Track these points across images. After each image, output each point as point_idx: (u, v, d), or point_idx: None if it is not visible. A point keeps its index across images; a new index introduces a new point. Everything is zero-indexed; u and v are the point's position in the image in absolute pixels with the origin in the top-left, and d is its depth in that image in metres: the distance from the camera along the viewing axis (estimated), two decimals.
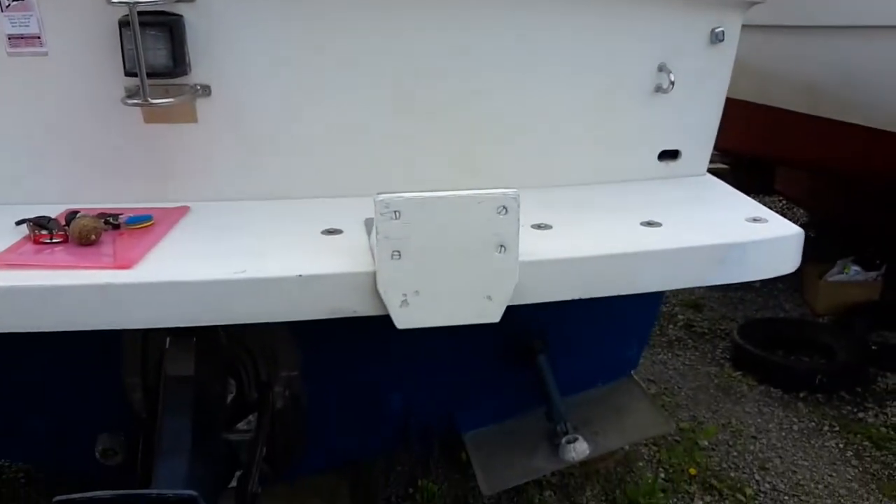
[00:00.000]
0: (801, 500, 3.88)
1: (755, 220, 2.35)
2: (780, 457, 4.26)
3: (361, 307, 2.00)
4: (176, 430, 2.35)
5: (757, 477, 4.06)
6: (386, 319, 2.38)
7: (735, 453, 4.28)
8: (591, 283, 2.12)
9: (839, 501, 3.87)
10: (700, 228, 2.29)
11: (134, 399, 2.82)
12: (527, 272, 2.04)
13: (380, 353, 2.98)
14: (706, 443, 4.35)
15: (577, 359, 3.12)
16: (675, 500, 3.85)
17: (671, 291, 6.67)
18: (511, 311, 2.79)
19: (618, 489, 3.89)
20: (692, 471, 4.03)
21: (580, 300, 2.93)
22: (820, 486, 3.98)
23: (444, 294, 2.00)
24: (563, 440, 2.81)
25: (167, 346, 2.47)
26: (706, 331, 5.95)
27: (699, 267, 2.17)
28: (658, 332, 5.91)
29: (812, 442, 4.40)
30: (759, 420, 4.63)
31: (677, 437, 4.40)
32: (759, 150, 6.35)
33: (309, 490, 3.40)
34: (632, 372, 3.19)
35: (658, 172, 2.80)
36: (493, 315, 2.05)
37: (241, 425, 2.83)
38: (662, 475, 4.05)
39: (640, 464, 4.16)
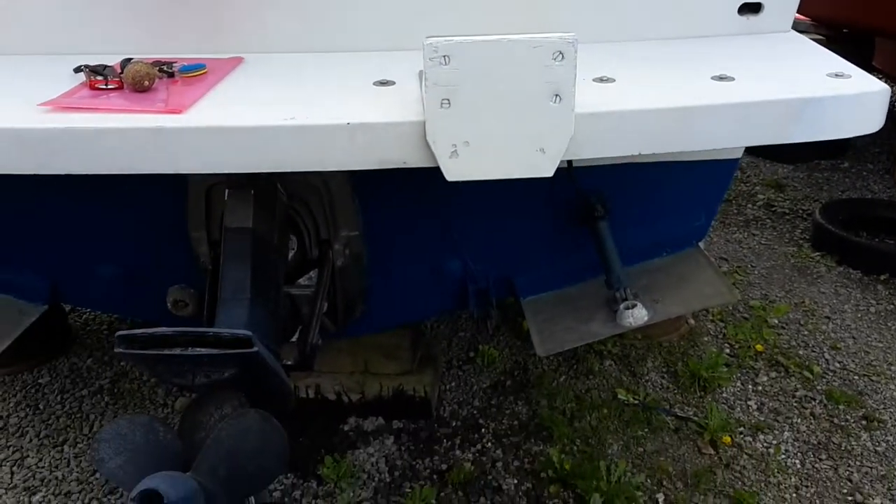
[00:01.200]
0: (872, 380, 3.78)
1: (837, 75, 2.16)
2: (854, 337, 4.14)
3: (410, 158, 1.96)
4: (236, 280, 2.41)
5: (827, 356, 3.97)
6: (439, 174, 2.35)
7: (806, 332, 4.18)
8: (652, 137, 2.01)
9: None
10: (775, 83, 2.12)
11: (200, 252, 2.90)
12: (583, 125, 1.94)
13: (438, 214, 2.97)
14: (776, 321, 4.26)
15: (641, 227, 3.03)
16: (739, 374, 3.82)
17: (752, 170, 6.41)
18: (572, 172, 2.74)
19: (680, 362, 3.88)
20: (759, 347, 3.97)
21: (647, 164, 2.86)
22: (893, 368, 3.87)
23: (494, 145, 1.93)
24: (622, 306, 2.77)
25: (226, 198, 2.50)
26: (787, 211, 5.72)
27: (771, 123, 2.03)
28: (735, 211, 5.72)
29: (889, 324, 4.25)
30: (834, 301, 4.49)
31: (746, 315, 4.33)
32: (857, 18, 5.86)
33: (372, 347, 3.49)
34: (698, 243, 3.09)
35: (737, 28, 2.59)
36: (546, 169, 1.98)
37: (302, 281, 2.89)
38: (727, 351, 4.00)
39: (705, 339, 4.11)
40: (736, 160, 2.99)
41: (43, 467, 3.37)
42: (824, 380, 3.77)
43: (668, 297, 2.86)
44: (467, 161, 1.94)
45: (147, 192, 2.87)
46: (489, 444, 3.41)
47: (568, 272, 3.09)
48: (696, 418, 3.48)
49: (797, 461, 3.26)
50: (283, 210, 2.72)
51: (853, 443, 3.38)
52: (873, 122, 2.12)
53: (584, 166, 2.77)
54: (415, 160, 1.97)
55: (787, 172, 6.40)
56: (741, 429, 3.44)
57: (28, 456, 3.44)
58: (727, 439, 3.32)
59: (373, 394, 3.54)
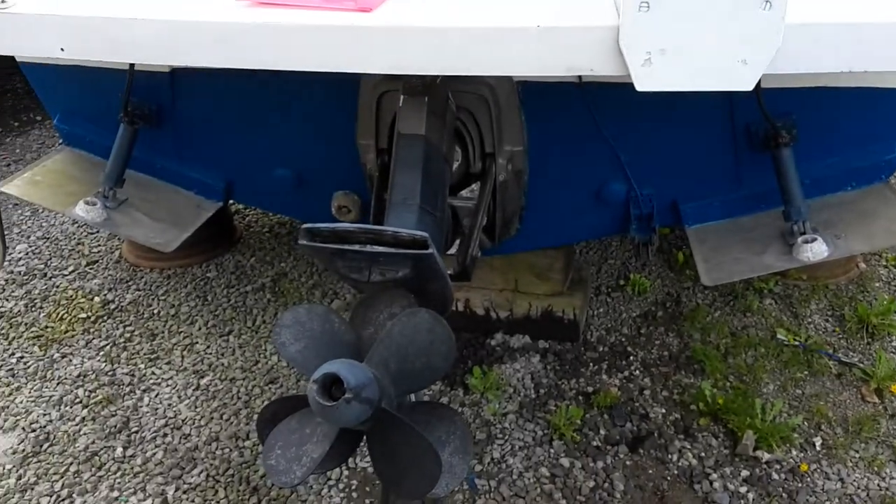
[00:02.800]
0: None
1: None
2: None
3: (599, 65, 1.89)
4: (407, 185, 2.44)
5: None
6: (618, 92, 2.26)
7: None
8: (866, 53, 1.84)
9: None
10: None
11: (367, 160, 2.96)
12: (791, 36, 1.80)
13: (607, 133, 2.88)
14: None
15: (827, 157, 2.83)
16: None
17: None
18: (760, 92, 2.57)
19: (847, 306, 3.66)
20: None
21: (840, 89, 2.64)
22: None
23: (693, 54, 1.82)
24: (800, 239, 2.62)
25: (401, 104, 2.52)
26: None
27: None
28: None
29: None
30: None
31: None
32: None
33: (523, 266, 3.49)
34: (888, 178, 2.85)
35: None
36: (747, 82, 1.85)
37: (464, 193, 2.90)
38: None
39: (877, 284, 3.86)
40: None
41: (210, 354, 3.63)
42: None
43: (851, 234, 2.68)
44: (661, 70, 1.84)
45: (319, 98, 2.95)
46: (637, 371, 3.37)
47: (739, 201, 2.94)
48: (861, 365, 3.29)
49: None
50: (452, 120, 2.72)
51: None
52: None
53: (773, 87, 2.61)
54: (603, 67, 1.90)
55: None
56: None
57: (197, 342, 3.71)
58: (895, 388, 3.14)
59: (521, 312, 3.55)
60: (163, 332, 3.79)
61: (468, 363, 3.43)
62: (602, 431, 3.05)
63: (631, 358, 3.45)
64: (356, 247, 2.02)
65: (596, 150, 2.93)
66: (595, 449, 2.98)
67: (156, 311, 3.95)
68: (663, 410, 3.14)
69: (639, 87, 1.89)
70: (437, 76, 2.50)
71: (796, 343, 3.43)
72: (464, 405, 3.22)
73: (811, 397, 3.17)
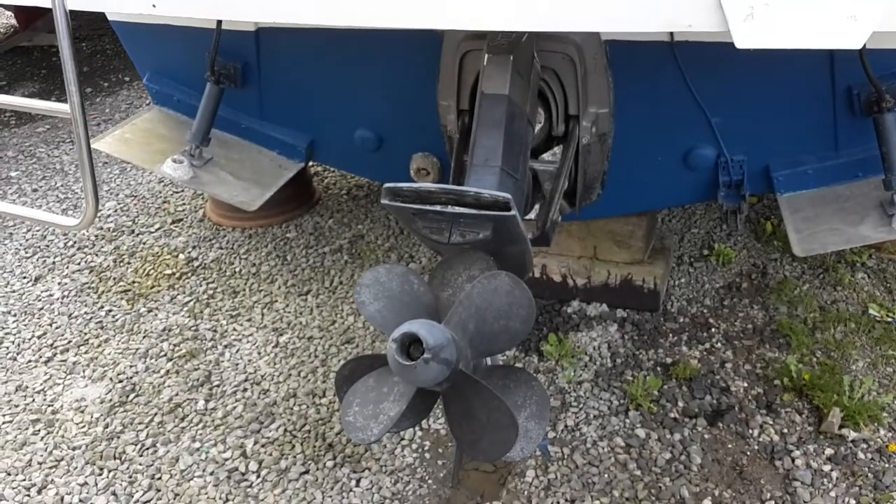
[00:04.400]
0: None
1: None
2: None
3: (698, 20, 1.80)
4: (489, 147, 2.40)
5: None
6: (712, 50, 2.16)
7: None
8: None
9: None
10: None
11: (447, 121, 2.93)
12: None
13: (698, 95, 2.77)
14: None
15: None
16: None
17: None
18: (865, 53, 2.43)
19: None
20: None
21: None
22: None
23: (798, 8, 1.72)
24: None
25: (485, 63, 2.47)
26: None
27: None
28: None
29: None
30: None
31: None
32: None
33: (603, 233, 3.42)
34: None
35: None
36: (856, 39, 1.74)
37: (546, 156, 2.84)
38: None
39: None
40: None
41: (289, 312, 3.69)
42: None
43: None
44: (763, 26, 1.75)
45: (400, 59, 2.93)
46: (718, 344, 3.27)
47: (837, 169, 2.80)
48: None
49: None
50: (537, 80, 2.66)
51: None
52: None
53: (879, 48, 2.46)
54: (703, 23, 1.81)
55: None
56: None
57: (276, 301, 3.78)
58: None
59: (599, 280, 3.49)
60: (244, 290, 3.88)
61: (544, 330, 3.40)
62: (680, 403, 2.99)
63: (713, 330, 3.35)
64: (437, 207, 2.01)
65: (685, 113, 2.83)
66: (672, 421, 2.92)
67: (237, 270, 4.04)
68: (745, 384, 3.05)
69: (739, 44, 1.80)
70: (524, 34, 2.45)
71: (889, 319, 3.28)
72: (538, 372, 3.19)
73: None
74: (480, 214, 1.98)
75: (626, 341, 3.32)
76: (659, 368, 3.17)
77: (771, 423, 2.88)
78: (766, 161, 2.88)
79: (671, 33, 2.58)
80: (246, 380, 3.31)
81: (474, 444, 1.99)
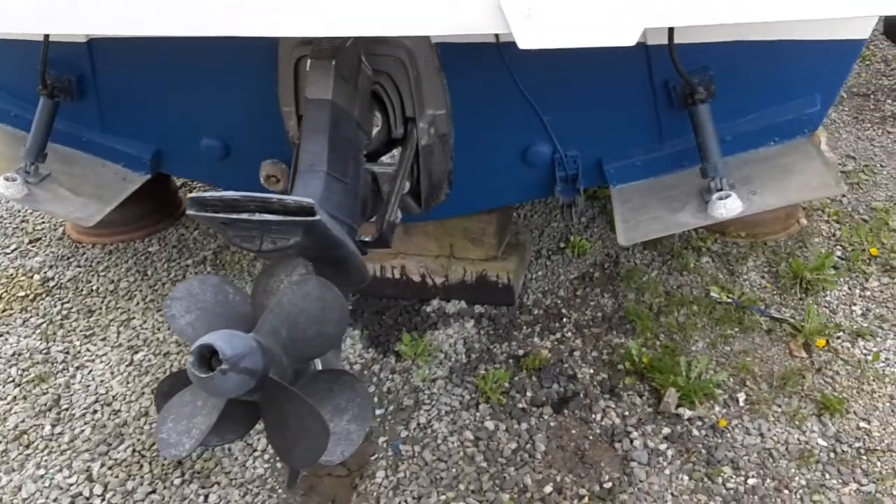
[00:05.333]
0: None
1: None
2: None
3: (482, 22, 1.85)
4: (313, 151, 2.40)
5: None
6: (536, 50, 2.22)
7: None
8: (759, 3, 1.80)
9: None
10: None
11: (289, 127, 2.92)
12: None
13: (528, 93, 2.84)
14: None
15: (748, 112, 2.81)
16: (847, 279, 3.57)
17: (885, 65, 5.80)
18: (673, 48, 2.53)
19: (784, 262, 3.66)
20: (874, 251, 3.69)
21: (757, 42, 2.61)
22: None
23: (574, 8, 1.78)
24: (714, 196, 2.61)
25: (308, 69, 2.47)
26: None
27: None
28: (871, 107, 5.24)
29: None
30: None
31: (866, 216, 4.01)
32: None
33: (458, 231, 3.47)
34: (809, 132, 2.83)
35: None
36: (629, 37, 1.82)
37: (384, 158, 2.86)
38: (839, 253, 3.74)
39: (816, 239, 3.85)
40: (860, 41, 2.68)
41: (146, 329, 3.60)
42: None
43: (767, 188, 2.67)
44: (542, 26, 1.81)
45: (242, 65, 2.89)
46: (569, 333, 3.37)
47: (663, 160, 2.92)
48: (792, 320, 3.29)
49: None
50: (368, 84, 2.67)
51: None
52: None
53: (688, 42, 2.57)
54: (486, 25, 1.86)
55: None
56: (840, 334, 3.24)
57: (134, 318, 3.68)
58: (821, 343, 3.14)
59: (456, 278, 3.54)
60: (100, 309, 3.76)
61: (403, 330, 3.42)
62: (529, 393, 3.06)
63: (564, 320, 3.44)
64: (244, 215, 2.00)
65: (519, 112, 2.90)
66: (520, 411, 2.99)
67: (95, 288, 3.91)
68: (591, 371, 3.15)
69: (521, 45, 1.86)
70: (347, 39, 2.46)
71: (729, 300, 3.44)
72: (394, 371, 3.22)
73: (739, 354, 3.18)
74: (286, 220, 1.98)
75: (482, 336, 3.38)
76: (511, 360, 3.24)
77: (613, 406, 2.98)
78: (598, 155, 2.98)
79: (496, 34, 2.64)
80: (96, 401, 3.22)
81: (288, 452, 1.99)
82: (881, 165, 4.51)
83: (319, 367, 2.25)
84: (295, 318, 1.97)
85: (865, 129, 4.94)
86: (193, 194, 1.99)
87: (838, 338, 3.23)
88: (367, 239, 2.73)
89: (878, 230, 3.85)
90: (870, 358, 3.11)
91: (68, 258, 4.17)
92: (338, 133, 2.46)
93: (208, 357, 1.79)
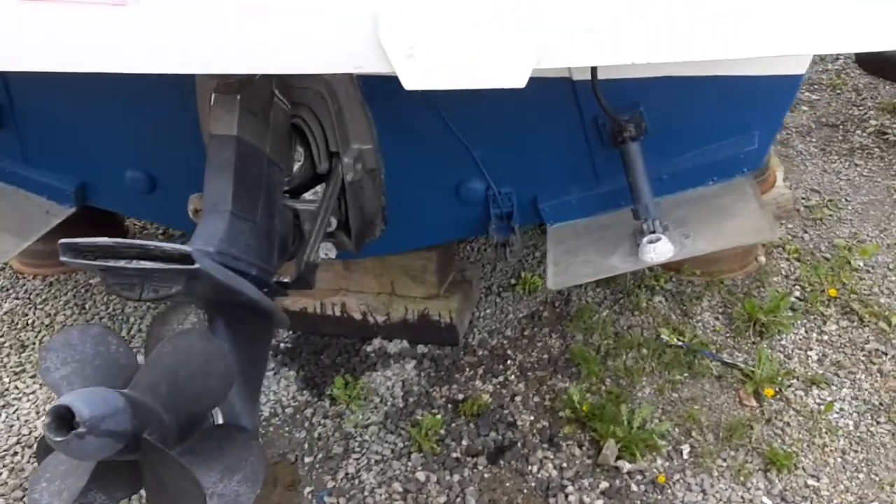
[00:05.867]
0: None
1: None
2: None
3: (367, 61, 1.74)
4: (217, 190, 2.29)
5: None
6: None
7: (893, 278, 3.70)
8: (647, 44, 1.69)
9: None
10: None
11: None
12: (559, 31, 1.66)
13: (458, 129, 2.73)
14: (861, 263, 3.80)
15: (683, 151, 2.70)
16: (805, 321, 3.44)
17: (869, 92, 5.71)
18: (597, 85, 2.42)
19: (740, 303, 3.52)
20: (832, 292, 3.55)
21: (688, 78, 2.49)
22: None
23: (457, 48, 1.68)
24: (645, 240, 2.49)
25: (212, 103, 2.36)
26: None
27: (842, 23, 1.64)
28: (839, 138, 5.12)
29: None
30: None
31: (827, 254, 3.89)
32: None
33: (398, 269, 3.35)
34: (749, 170, 2.71)
35: None
36: (517, 78, 1.70)
37: (307, 195, 2.75)
38: (797, 293, 3.61)
39: (775, 278, 3.73)
40: (798, 77, 2.57)
41: None
42: None
43: (700, 232, 2.55)
44: (426, 66, 1.70)
45: (163, 96, 2.78)
46: (512, 376, 3.23)
47: (600, 199, 2.80)
48: (743, 366, 3.16)
49: (850, 422, 2.91)
50: (284, 119, 2.56)
51: None
52: None
53: (615, 79, 2.46)
54: (371, 64, 1.74)
55: None
56: (794, 381, 3.10)
57: None
58: (769, 392, 3.00)
59: (398, 316, 3.41)
60: (34, 343, 3.63)
61: (341, 371, 3.29)
62: (465, 442, 2.92)
63: (509, 362, 3.31)
64: (122, 263, 1.88)
65: (450, 147, 2.79)
66: (454, 461, 2.84)
67: (31, 321, 3.79)
68: (531, 418, 3.01)
69: (406, 86, 1.75)
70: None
71: (680, 343, 3.30)
72: (327, 416, 3.08)
73: (686, 401, 3.04)
74: (167, 269, 1.85)
75: (422, 379, 3.24)
76: (450, 405, 3.10)
77: (551, 457, 2.84)
78: (533, 192, 2.86)
79: None
80: (17, 442, 3.08)
81: None
82: (846, 200, 4.39)
83: (220, 419, 2.13)
84: (175, 372, 1.84)
85: (832, 162, 4.83)
86: (65, 240, 1.86)
87: (790, 386, 3.09)
88: (285, 280, 2.61)
89: (840, 269, 3.72)
90: (823, 408, 2.97)
91: (7, 290, 4.04)
92: (245, 170, 2.35)
93: (69, 418, 1.66)
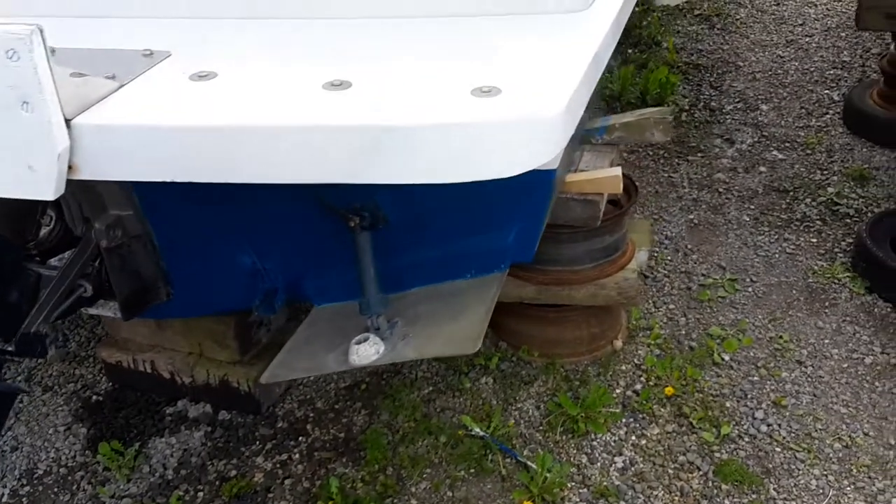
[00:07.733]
0: (797, 457, 2.97)
1: (483, 91, 1.54)
2: (814, 394, 3.28)
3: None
4: None
5: (759, 414, 3.17)
6: None
7: (755, 378, 3.36)
8: (183, 163, 1.54)
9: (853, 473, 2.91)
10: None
11: None
12: (89, 139, 1.52)
13: (215, 202, 2.61)
14: (726, 357, 3.46)
15: (431, 242, 2.50)
16: (631, 420, 3.15)
17: (843, 153, 5.24)
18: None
19: (570, 393, 3.26)
20: (669, 390, 3.24)
21: None
22: (837, 445, 3.01)
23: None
24: (354, 339, 2.30)
25: None
26: (853, 212, 4.62)
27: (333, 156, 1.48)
28: (784, 206, 4.71)
29: (876, 384, 3.32)
30: (826, 341, 3.57)
31: (696, 343, 3.56)
32: None
33: (203, 330, 3.24)
34: (507, 266, 2.49)
35: None
36: (46, 191, 1.58)
37: (53, 261, 2.68)
38: (637, 386, 3.31)
39: (624, 367, 3.44)
40: (550, 172, 2.34)
41: None
42: (730, 446, 3.01)
43: (418, 335, 2.34)
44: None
45: None
46: (297, 455, 3.07)
47: (356, 283, 2.62)
48: (535, 467, 2.90)
49: None
50: None
51: None
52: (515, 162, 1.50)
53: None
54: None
55: (883, 161, 5.19)
56: (582, 490, 2.84)
57: None
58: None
59: (202, 379, 3.30)
60: None
61: (133, 432, 3.20)
62: None
63: (301, 438, 3.15)
64: None
65: (213, 218, 2.67)
66: None
67: None
68: None
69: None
70: None
71: (481, 434, 3.07)
72: (92, 482, 2.99)
73: (458, 503, 2.82)
74: None
75: (205, 449, 3.12)
76: (218, 482, 2.97)
77: None
78: (297, 271, 2.71)
79: None
80: None
81: None
82: (751, 280, 4.03)
83: None
84: None
85: (760, 234, 4.44)
86: None
87: (579, 496, 2.82)
88: (9, 348, 2.54)
89: (697, 363, 3.40)
90: None
91: None
92: None
93: None
